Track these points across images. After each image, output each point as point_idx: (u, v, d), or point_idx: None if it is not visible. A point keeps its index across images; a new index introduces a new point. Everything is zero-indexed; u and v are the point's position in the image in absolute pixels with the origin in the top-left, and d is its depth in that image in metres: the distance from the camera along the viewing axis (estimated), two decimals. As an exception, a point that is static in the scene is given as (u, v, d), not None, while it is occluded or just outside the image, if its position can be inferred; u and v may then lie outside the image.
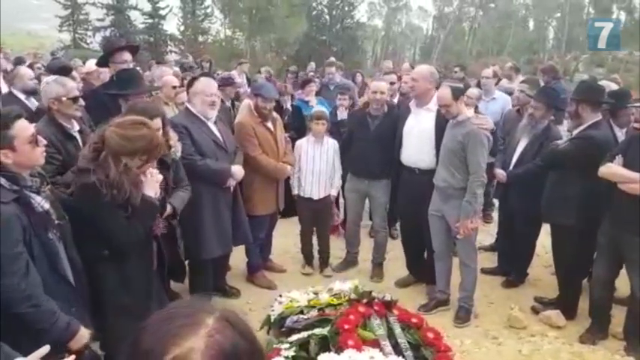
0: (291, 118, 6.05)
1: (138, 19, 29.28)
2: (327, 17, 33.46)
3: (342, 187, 4.90)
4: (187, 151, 3.59)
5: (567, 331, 3.88)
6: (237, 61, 10.46)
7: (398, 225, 5.17)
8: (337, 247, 5.09)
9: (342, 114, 5.50)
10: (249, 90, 7.21)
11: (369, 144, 4.46)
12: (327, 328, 2.81)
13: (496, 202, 5.43)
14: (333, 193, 4.80)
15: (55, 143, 2.87)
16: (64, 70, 4.94)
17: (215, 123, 3.88)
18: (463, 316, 4.00)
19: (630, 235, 3.36)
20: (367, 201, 4.83)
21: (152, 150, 2.44)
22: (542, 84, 5.50)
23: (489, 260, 5.03)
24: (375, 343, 2.71)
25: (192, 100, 3.86)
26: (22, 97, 4.78)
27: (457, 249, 4.11)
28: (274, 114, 4.50)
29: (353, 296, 3.16)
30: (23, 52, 12.54)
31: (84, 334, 2.16)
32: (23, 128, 2.07)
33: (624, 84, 8.83)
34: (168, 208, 3.04)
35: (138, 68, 7.36)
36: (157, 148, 2.49)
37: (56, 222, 2.17)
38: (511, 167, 4.42)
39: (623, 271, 3.66)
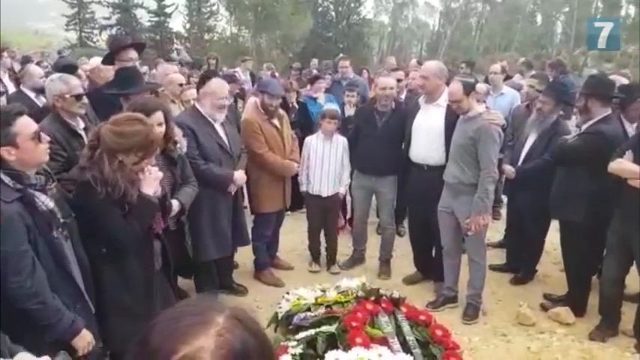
0: (297, 116, 5.86)
1: (144, 18, 29.52)
2: (333, 14, 33.41)
3: (350, 184, 4.88)
4: (191, 154, 3.54)
5: (577, 328, 3.84)
6: (242, 59, 10.42)
7: (405, 222, 5.16)
8: (344, 245, 5.07)
9: (349, 111, 5.45)
10: (253, 87, 7.18)
11: (376, 140, 4.43)
12: (335, 326, 2.79)
13: (505, 198, 5.39)
14: (342, 190, 4.78)
15: (60, 140, 2.86)
16: (70, 68, 4.94)
17: (222, 124, 3.82)
18: (471, 313, 3.98)
19: (641, 232, 3.31)
20: (374, 198, 4.81)
21: (148, 146, 2.40)
22: (550, 79, 5.45)
23: (498, 257, 5.00)
24: (383, 341, 2.70)
25: (201, 99, 3.80)
26: (31, 95, 4.79)
27: (466, 246, 4.08)
28: (280, 111, 4.48)
29: (360, 294, 3.14)
30: (30, 51, 12.62)
31: (88, 333, 2.16)
32: (25, 125, 2.05)
33: (634, 79, 8.72)
34: (176, 205, 3.03)
35: (144, 67, 7.41)
36: (153, 144, 2.44)
37: (62, 220, 2.15)
38: (520, 163, 4.38)
39: (634, 268, 3.63)
